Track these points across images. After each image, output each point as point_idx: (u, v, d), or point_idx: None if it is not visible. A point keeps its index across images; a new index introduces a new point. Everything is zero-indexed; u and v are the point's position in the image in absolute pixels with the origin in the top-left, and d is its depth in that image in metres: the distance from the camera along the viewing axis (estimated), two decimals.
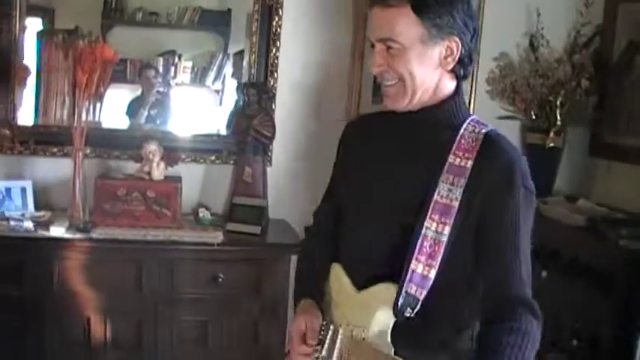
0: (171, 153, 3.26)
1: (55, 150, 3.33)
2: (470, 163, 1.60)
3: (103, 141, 3.37)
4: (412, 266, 1.60)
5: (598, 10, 3.60)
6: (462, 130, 1.65)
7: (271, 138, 3.36)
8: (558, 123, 3.48)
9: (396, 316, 1.63)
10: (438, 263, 1.60)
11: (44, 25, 3.39)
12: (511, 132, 3.66)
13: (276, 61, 3.45)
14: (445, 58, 1.65)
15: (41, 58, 3.37)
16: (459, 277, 1.65)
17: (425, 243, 1.60)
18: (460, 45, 1.64)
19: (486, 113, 3.53)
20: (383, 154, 1.75)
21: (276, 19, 3.43)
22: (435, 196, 1.61)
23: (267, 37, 3.44)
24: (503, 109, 3.62)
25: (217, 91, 3.62)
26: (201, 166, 3.49)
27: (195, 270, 3.03)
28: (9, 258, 2.92)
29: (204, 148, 3.49)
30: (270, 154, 3.49)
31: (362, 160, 1.80)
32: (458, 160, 1.62)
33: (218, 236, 3.09)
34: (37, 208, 3.23)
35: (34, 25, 3.35)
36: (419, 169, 1.66)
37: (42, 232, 2.98)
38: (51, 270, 2.93)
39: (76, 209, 3.11)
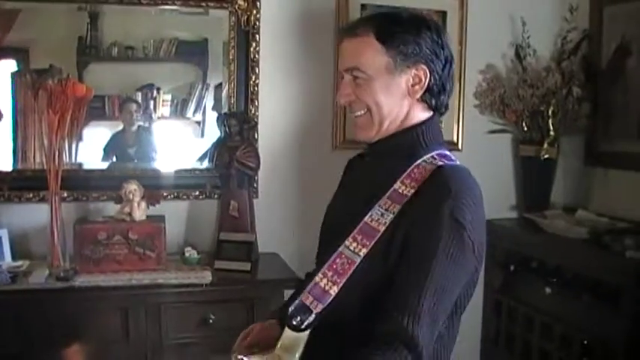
0: (153, 191, 3.13)
1: (31, 195, 3.20)
2: (411, 192, 1.57)
3: (81, 183, 3.26)
4: (317, 279, 1.60)
5: (583, 15, 3.57)
6: (419, 160, 1.63)
7: (256, 169, 3.24)
8: (551, 133, 3.42)
9: (284, 322, 1.61)
10: (343, 282, 1.56)
11: (18, 66, 3.28)
12: (503, 146, 3.61)
13: (256, 89, 3.35)
14: (413, 86, 1.65)
15: (16, 100, 3.26)
16: (359, 302, 1.57)
17: (338, 260, 1.58)
18: (428, 73, 1.64)
19: (476, 128, 3.50)
20: (350, 188, 1.82)
21: (254, 45, 3.34)
22: (366, 218, 1.58)
23: (245, 65, 3.36)
24: (493, 123, 3.54)
25: (198, 123, 3.51)
26: (184, 202, 3.38)
27: (185, 313, 2.90)
28: None
29: (187, 184, 3.38)
30: (255, 185, 3.38)
31: (337, 197, 1.88)
32: (403, 188, 1.59)
33: (206, 276, 2.96)
34: (14, 257, 3.08)
35: (8, 66, 3.26)
36: (368, 197, 1.63)
37: (20, 284, 2.83)
38: (31, 324, 2.77)
39: (56, 257, 2.98)
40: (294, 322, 1.57)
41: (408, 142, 1.67)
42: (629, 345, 2.71)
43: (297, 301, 1.61)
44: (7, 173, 3.26)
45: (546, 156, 3.41)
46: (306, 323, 1.57)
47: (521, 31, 3.49)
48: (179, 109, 3.47)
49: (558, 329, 3.07)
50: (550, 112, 3.39)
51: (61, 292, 2.82)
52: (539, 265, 3.23)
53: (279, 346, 1.60)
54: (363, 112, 1.67)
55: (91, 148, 3.35)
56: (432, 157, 1.63)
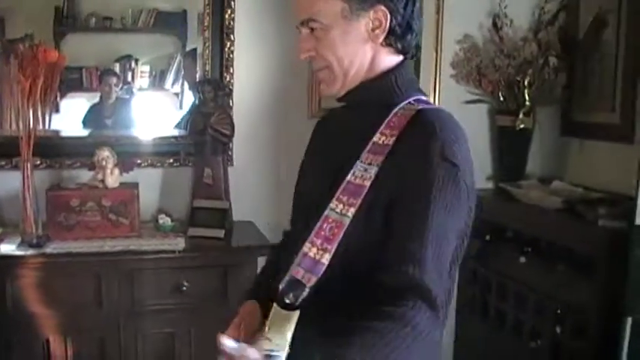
0: (126, 159, 3.12)
1: (3, 163, 3.19)
2: (392, 140, 1.46)
3: (54, 150, 3.24)
4: (305, 249, 1.47)
5: None
6: (396, 109, 1.51)
7: (230, 136, 3.22)
8: (527, 103, 3.40)
9: (277, 302, 1.48)
10: (335, 247, 1.44)
11: None
12: (479, 116, 3.60)
13: (231, 56, 3.33)
14: (373, 30, 1.53)
15: None
16: (359, 263, 1.45)
17: (325, 225, 1.46)
18: (389, 14, 1.52)
19: (453, 98, 3.48)
20: (324, 145, 1.70)
21: (229, 11, 3.31)
22: (349, 177, 1.47)
23: (220, 32, 3.33)
24: (470, 93, 3.53)
25: (177, 94, 3.51)
26: (158, 170, 3.36)
27: (158, 280, 2.89)
28: None
29: (162, 151, 3.37)
30: (230, 153, 3.36)
31: (312, 157, 1.76)
32: (383, 138, 1.48)
33: (180, 243, 2.96)
34: None
35: None
36: (345, 153, 1.52)
37: None
38: (4, 290, 2.77)
39: (28, 224, 2.95)
40: (288, 300, 1.46)
41: (381, 91, 1.56)
42: (602, 314, 2.72)
43: (287, 277, 1.48)
44: None
45: (522, 126, 3.40)
46: (300, 299, 1.45)
47: (498, 1, 3.47)
48: (157, 81, 3.46)
49: (532, 298, 3.07)
50: (526, 83, 3.37)
51: (33, 258, 2.82)
52: (515, 235, 3.23)
53: (267, 328, 1.47)
54: (323, 66, 1.56)
55: (68, 120, 3.35)
56: (410, 102, 1.53)
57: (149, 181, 3.29)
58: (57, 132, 3.34)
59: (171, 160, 3.36)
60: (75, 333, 2.85)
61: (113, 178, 3.02)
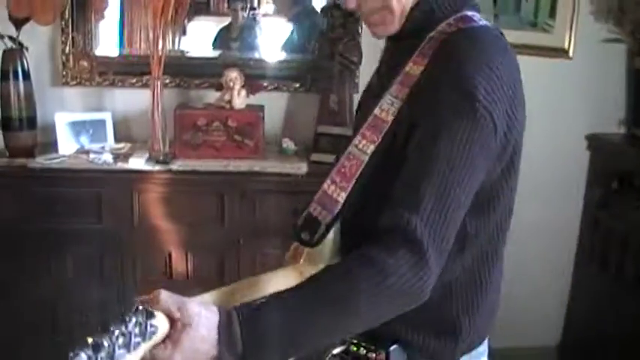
0: (253, 81, 3.13)
1: (134, 80, 3.27)
2: (420, 70, 1.30)
3: (183, 70, 3.30)
4: (324, 186, 1.37)
5: None
6: (433, 32, 1.31)
7: (357, 63, 3.17)
8: None
9: (295, 238, 1.42)
10: (351, 186, 1.33)
11: None
12: (616, 57, 3.41)
13: None
14: None
15: None
16: (372, 203, 1.30)
17: (346, 162, 1.34)
18: None
19: (590, 36, 3.32)
20: (373, 81, 1.54)
21: None
22: (376, 110, 1.33)
23: None
24: (608, 32, 3.35)
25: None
26: (284, 94, 3.37)
27: (278, 202, 2.92)
28: (88, 191, 2.91)
29: (287, 76, 3.37)
30: (356, 80, 3.30)
31: (365, 92, 1.62)
32: (414, 67, 1.31)
33: (302, 167, 2.96)
34: (116, 140, 3.18)
35: None
36: (381, 87, 1.38)
37: (121, 165, 2.93)
38: (131, 203, 2.89)
39: (156, 141, 3.02)
40: (303, 237, 1.40)
41: (424, 12, 1.34)
42: None
43: (304, 214, 1.40)
44: (112, 59, 3.34)
45: None
46: (317, 236, 1.37)
47: None
48: (282, 7, 3.47)
49: None
50: None
51: (159, 173, 2.91)
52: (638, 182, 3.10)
53: (302, 260, 1.43)
54: (381, 7, 1.34)
55: (194, 42, 3.42)
56: (448, 23, 1.31)
57: (274, 105, 3.29)
58: (185, 52, 3.39)
59: (297, 85, 3.35)
60: (196, 249, 2.93)
61: (240, 100, 3.03)
